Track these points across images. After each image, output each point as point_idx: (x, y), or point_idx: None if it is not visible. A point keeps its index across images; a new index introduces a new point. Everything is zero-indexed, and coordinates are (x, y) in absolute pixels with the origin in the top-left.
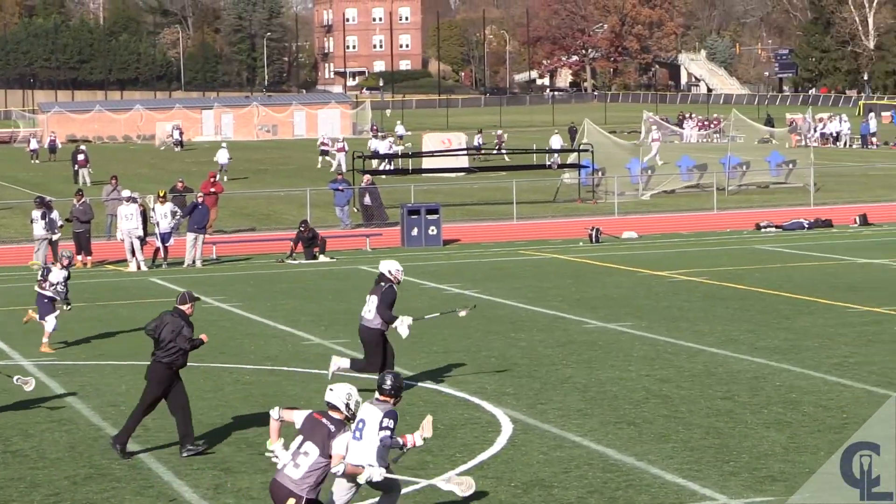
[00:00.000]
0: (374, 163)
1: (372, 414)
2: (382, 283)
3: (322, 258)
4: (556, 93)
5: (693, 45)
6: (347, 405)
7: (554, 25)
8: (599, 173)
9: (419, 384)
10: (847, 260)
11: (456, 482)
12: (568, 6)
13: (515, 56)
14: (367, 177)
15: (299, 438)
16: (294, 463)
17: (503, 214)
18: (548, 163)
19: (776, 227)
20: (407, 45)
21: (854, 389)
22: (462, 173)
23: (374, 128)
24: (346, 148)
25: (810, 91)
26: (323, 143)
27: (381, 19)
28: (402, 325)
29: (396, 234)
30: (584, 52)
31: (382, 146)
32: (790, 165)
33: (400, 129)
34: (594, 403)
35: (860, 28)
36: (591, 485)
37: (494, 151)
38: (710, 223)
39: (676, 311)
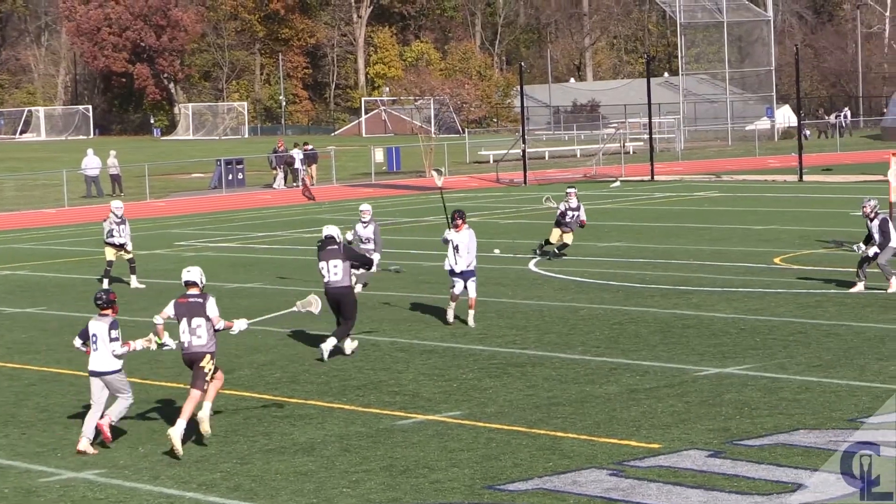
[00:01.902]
0: None
1: (100, 328)
2: (335, 246)
3: None
4: None
5: None
6: (202, 280)
7: None
8: None
9: None
10: None
11: (303, 304)
12: None
13: None
14: None
15: (184, 321)
16: (196, 336)
17: None
18: None
19: None
20: None
21: None
22: None
23: None
24: None
25: None
26: None
27: None
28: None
29: None
30: None
31: None
32: None
33: None
34: None
35: None
36: None
37: None
38: None
39: None
